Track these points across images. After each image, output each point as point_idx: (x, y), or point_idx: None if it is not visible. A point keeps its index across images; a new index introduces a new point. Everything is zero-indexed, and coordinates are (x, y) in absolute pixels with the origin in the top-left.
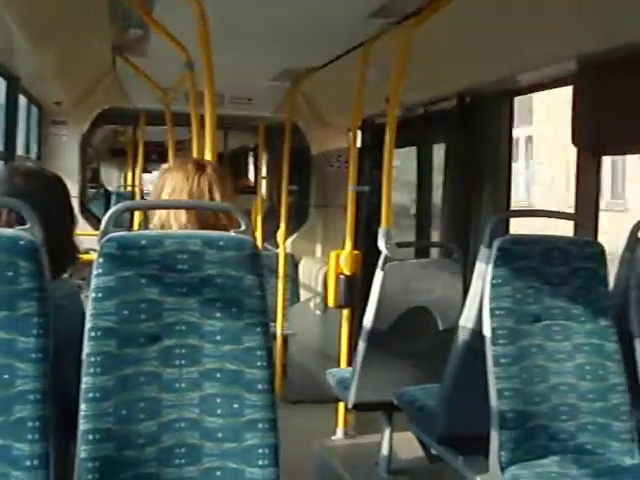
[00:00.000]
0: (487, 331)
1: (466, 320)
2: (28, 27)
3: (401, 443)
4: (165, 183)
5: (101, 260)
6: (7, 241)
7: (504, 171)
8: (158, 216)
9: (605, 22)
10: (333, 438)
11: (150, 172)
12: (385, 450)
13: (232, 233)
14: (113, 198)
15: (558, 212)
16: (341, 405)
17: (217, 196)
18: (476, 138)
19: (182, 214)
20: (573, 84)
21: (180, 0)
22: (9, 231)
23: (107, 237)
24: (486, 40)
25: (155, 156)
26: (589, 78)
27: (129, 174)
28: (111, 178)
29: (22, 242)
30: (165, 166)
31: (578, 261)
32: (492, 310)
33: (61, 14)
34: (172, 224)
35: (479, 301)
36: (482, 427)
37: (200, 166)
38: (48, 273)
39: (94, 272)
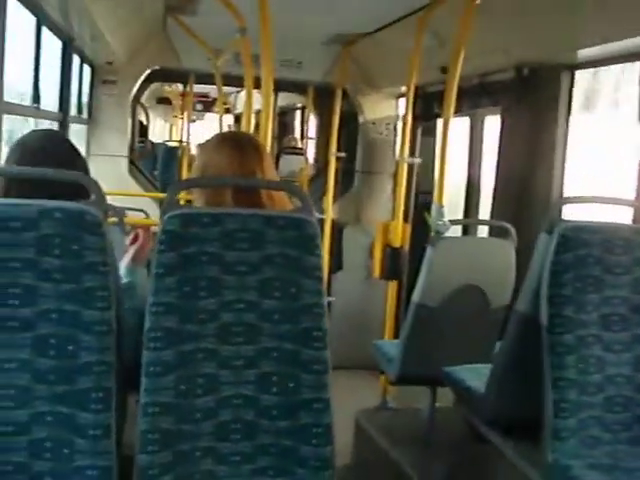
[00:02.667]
0: (544, 318)
1: (521, 305)
2: None
3: (444, 417)
4: (206, 164)
5: (163, 237)
6: (73, 215)
7: (561, 150)
8: (205, 199)
9: None
10: (374, 407)
11: (194, 121)
12: (427, 423)
13: (291, 212)
14: (160, 153)
15: (619, 199)
16: (383, 376)
17: (258, 173)
18: (534, 112)
19: (228, 194)
20: None
21: None
22: (74, 205)
23: (170, 214)
24: (549, 10)
25: (200, 106)
26: None
27: (174, 127)
28: (156, 128)
29: (87, 216)
30: (203, 143)
31: None
32: (550, 297)
33: None
34: (219, 204)
35: (536, 287)
36: (532, 413)
37: (237, 145)
38: (112, 247)
39: (156, 248)
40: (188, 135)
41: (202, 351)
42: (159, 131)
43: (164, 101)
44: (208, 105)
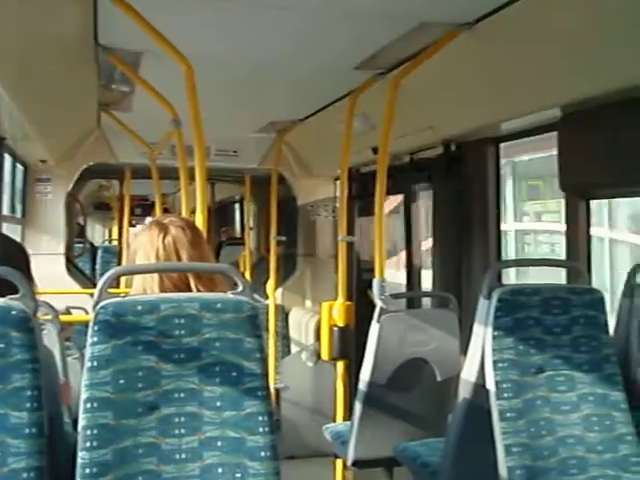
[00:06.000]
0: (491, 385)
1: (468, 373)
2: (14, 87)
3: None
4: (135, 249)
5: (96, 327)
6: None
7: (493, 217)
8: (134, 286)
9: (588, 69)
10: None
11: (134, 226)
12: None
13: (229, 294)
14: (99, 253)
15: (551, 260)
16: (339, 461)
17: (184, 256)
18: (463, 185)
19: (155, 282)
20: (558, 130)
21: (165, 57)
22: (0, 301)
23: (102, 304)
24: (470, 89)
25: (139, 210)
26: (573, 124)
27: (113, 228)
28: (95, 233)
29: (14, 312)
30: (136, 231)
31: (578, 309)
32: (495, 363)
33: (47, 73)
34: (147, 292)
35: (481, 354)
36: None
37: (162, 227)
38: (40, 344)
39: (89, 340)
40: (127, 235)
41: (142, 446)
42: (98, 236)
43: (102, 207)
44: (148, 208)
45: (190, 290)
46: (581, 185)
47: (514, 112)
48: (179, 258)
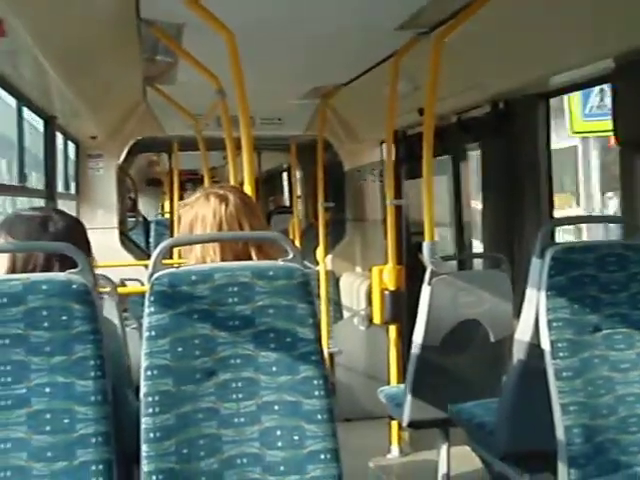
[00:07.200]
0: (546, 344)
1: (522, 333)
2: (61, 65)
3: (459, 459)
4: (193, 219)
5: (152, 298)
6: (60, 286)
7: (544, 175)
8: (194, 255)
9: None
10: (388, 456)
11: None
12: (443, 467)
13: (280, 262)
14: (152, 226)
15: (606, 216)
16: (394, 423)
17: (246, 226)
18: (513, 143)
19: (216, 249)
20: (612, 82)
21: (207, 28)
22: (61, 275)
23: (157, 275)
24: (517, 44)
25: (190, 184)
26: (629, 75)
27: (166, 202)
28: (148, 208)
29: (74, 286)
30: (188, 200)
31: (635, 265)
32: (549, 322)
33: (92, 49)
34: (207, 262)
35: (535, 313)
36: (547, 443)
37: (223, 197)
38: (101, 315)
39: (146, 310)
40: (178, 207)
41: (201, 411)
42: (152, 211)
43: (154, 182)
44: (197, 183)
45: (250, 259)
46: (637, 138)
47: (564, 65)
48: (241, 227)
